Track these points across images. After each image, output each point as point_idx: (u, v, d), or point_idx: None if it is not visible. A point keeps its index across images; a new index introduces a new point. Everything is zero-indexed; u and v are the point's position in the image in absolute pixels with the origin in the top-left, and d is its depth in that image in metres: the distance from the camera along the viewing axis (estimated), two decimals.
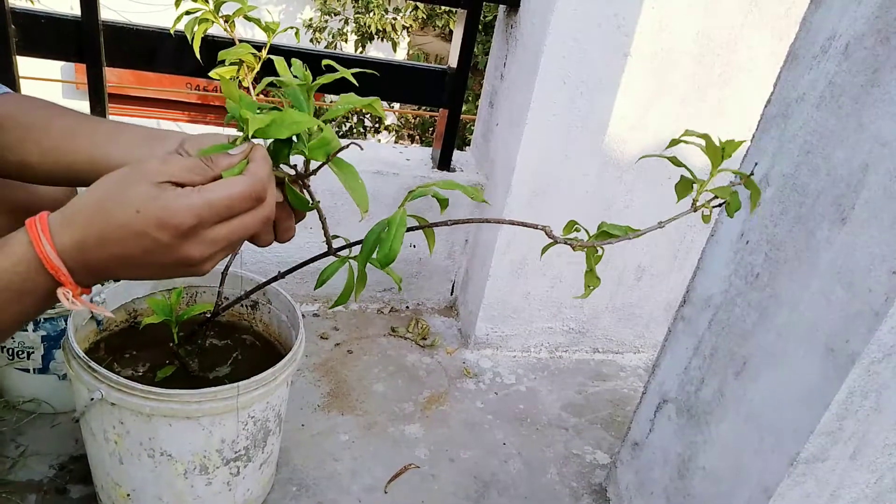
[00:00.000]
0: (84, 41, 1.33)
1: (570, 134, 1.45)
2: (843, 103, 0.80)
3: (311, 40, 6.71)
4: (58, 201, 0.53)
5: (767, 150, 0.93)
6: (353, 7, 6.81)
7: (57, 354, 1.15)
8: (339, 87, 1.42)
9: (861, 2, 0.79)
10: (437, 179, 1.61)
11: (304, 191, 0.60)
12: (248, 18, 1.02)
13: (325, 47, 6.83)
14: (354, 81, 0.62)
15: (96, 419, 0.89)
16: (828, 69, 0.83)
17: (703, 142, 0.65)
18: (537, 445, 1.41)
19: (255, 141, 0.54)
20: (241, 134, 0.54)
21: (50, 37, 1.34)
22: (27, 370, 1.15)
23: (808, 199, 0.84)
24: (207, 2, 0.98)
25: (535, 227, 0.67)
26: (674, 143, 0.67)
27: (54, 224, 0.49)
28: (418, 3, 6.64)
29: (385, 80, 1.60)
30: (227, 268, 1.01)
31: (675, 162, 0.68)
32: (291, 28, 1.09)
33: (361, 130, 6.70)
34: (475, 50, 1.59)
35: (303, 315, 1.34)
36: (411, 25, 6.83)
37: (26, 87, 1.31)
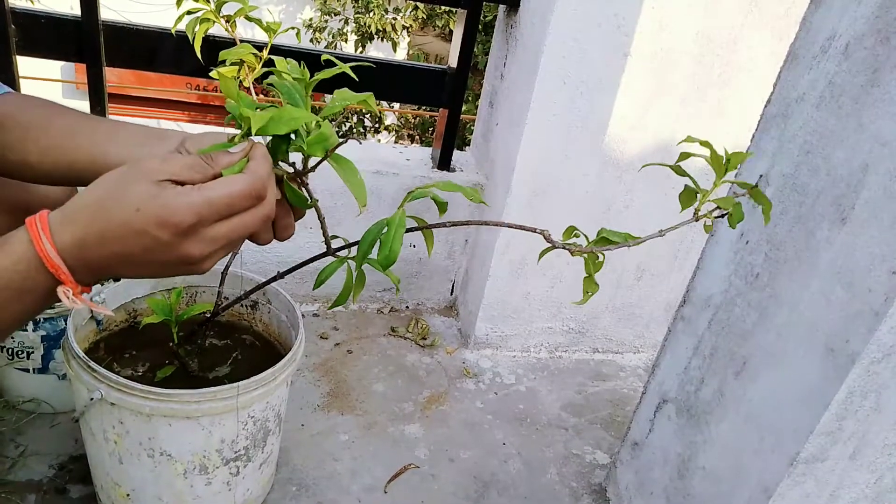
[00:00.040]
0: (84, 41, 1.33)
1: (570, 134, 1.45)
2: (843, 103, 0.80)
3: (311, 40, 6.71)
4: (58, 201, 0.53)
5: (767, 150, 0.93)
6: (353, 7, 6.81)
7: (57, 354, 1.15)
8: (339, 86, 1.42)
9: (861, 2, 0.79)
10: (437, 179, 1.61)
11: (303, 188, 0.60)
12: (249, 19, 1.02)
13: (325, 47, 6.84)
14: (353, 75, 0.62)
15: (96, 419, 0.89)
16: (828, 69, 0.83)
17: (707, 152, 0.64)
18: (537, 445, 1.41)
19: (254, 139, 0.54)
20: (240, 132, 0.54)
21: (50, 37, 1.34)
22: (27, 370, 1.15)
23: (808, 199, 0.84)
24: (209, 2, 0.98)
25: (533, 230, 0.66)
26: (683, 157, 0.67)
27: (54, 222, 0.50)
28: (418, 3, 6.64)
29: (385, 80, 1.60)
30: (226, 268, 1.01)
31: (679, 171, 0.67)
32: (293, 28, 1.09)
33: (361, 130, 6.70)
34: (475, 50, 1.59)
35: (302, 315, 1.34)
36: (411, 25, 6.83)
37: (26, 87, 1.31)
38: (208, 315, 0.99)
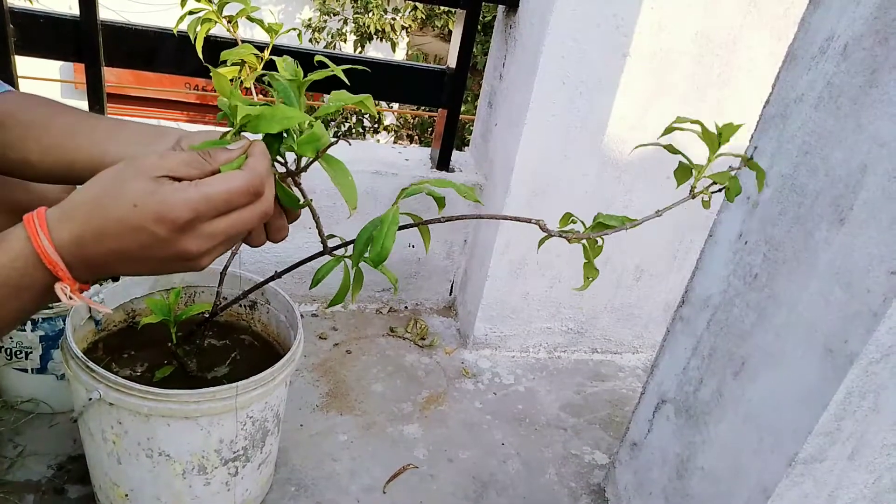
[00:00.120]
0: (83, 41, 1.33)
1: (569, 134, 1.45)
2: (842, 104, 0.80)
3: (311, 40, 6.71)
4: (57, 200, 0.53)
5: (766, 150, 0.93)
6: (353, 7, 6.81)
7: (55, 354, 1.15)
8: (337, 86, 1.42)
9: (859, 2, 0.79)
10: (434, 180, 1.61)
11: (295, 188, 0.60)
12: (250, 19, 1.02)
13: (325, 47, 6.84)
14: (345, 79, 0.62)
15: (94, 419, 0.89)
16: (826, 70, 0.83)
17: (698, 128, 0.64)
18: (536, 446, 1.41)
19: (251, 137, 0.54)
20: (232, 129, 0.54)
21: (48, 36, 1.34)
22: (25, 370, 1.15)
23: (807, 199, 0.84)
24: (211, 2, 0.99)
25: (528, 221, 0.67)
26: (668, 130, 0.67)
27: (52, 219, 0.49)
28: (417, 4, 6.64)
29: (384, 81, 1.60)
30: (225, 268, 1.01)
31: (672, 150, 0.67)
32: (294, 30, 1.09)
33: (360, 130, 6.70)
34: (474, 50, 1.59)
35: (301, 315, 1.34)
36: (410, 25, 6.83)
37: (25, 87, 1.30)
38: (207, 315, 0.99)
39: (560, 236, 0.65)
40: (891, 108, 0.73)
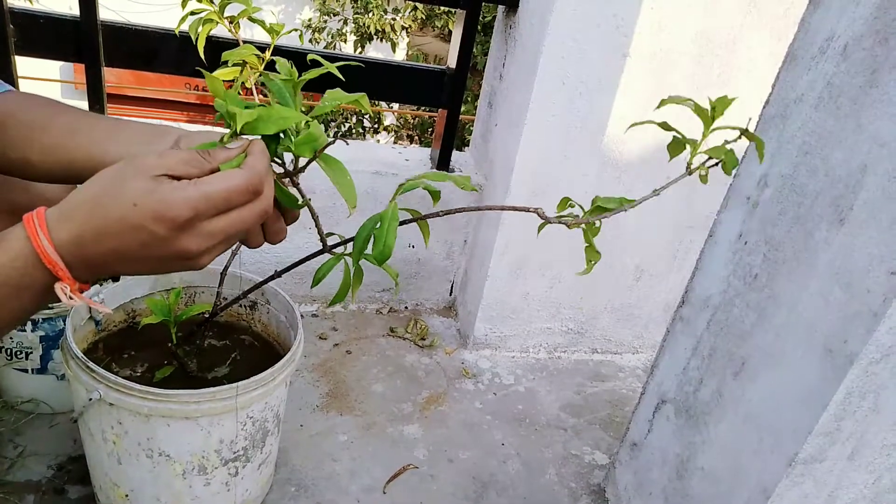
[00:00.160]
0: (83, 41, 1.33)
1: (569, 134, 1.45)
2: (842, 104, 0.80)
3: (311, 41, 6.71)
4: (58, 200, 0.53)
5: (766, 150, 0.93)
6: (353, 7, 6.81)
7: (55, 355, 1.15)
8: (335, 86, 1.42)
9: (859, 3, 0.79)
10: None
11: (293, 188, 0.60)
12: (252, 20, 1.02)
13: (325, 48, 6.84)
14: (340, 76, 0.62)
15: (94, 419, 0.89)
16: (826, 70, 0.83)
17: (691, 104, 0.65)
18: (536, 446, 1.41)
19: (249, 137, 0.54)
20: (229, 131, 0.54)
21: (48, 37, 1.34)
22: (25, 370, 1.15)
23: (807, 199, 0.84)
24: (213, 2, 0.99)
25: (527, 210, 0.67)
26: (662, 104, 0.67)
27: (51, 219, 0.49)
28: (417, 4, 6.64)
29: (384, 81, 1.60)
30: (225, 268, 1.01)
31: (666, 127, 0.68)
32: (295, 30, 1.09)
33: (360, 131, 6.70)
34: (474, 50, 1.59)
35: (301, 315, 1.34)
36: (410, 26, 6.83)
37: (25, 87, 1.30)
38: (207, 315, 0.99)
39: (559, 222, 0.65)
40: (891, 108, 0.73)
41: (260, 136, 0.54)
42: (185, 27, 1.01)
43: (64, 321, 1.12)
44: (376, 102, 6.53)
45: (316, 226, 0.65)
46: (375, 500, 1.19)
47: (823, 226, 0.81)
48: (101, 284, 1.03)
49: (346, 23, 6.87)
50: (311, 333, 1.63)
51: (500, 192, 1.54)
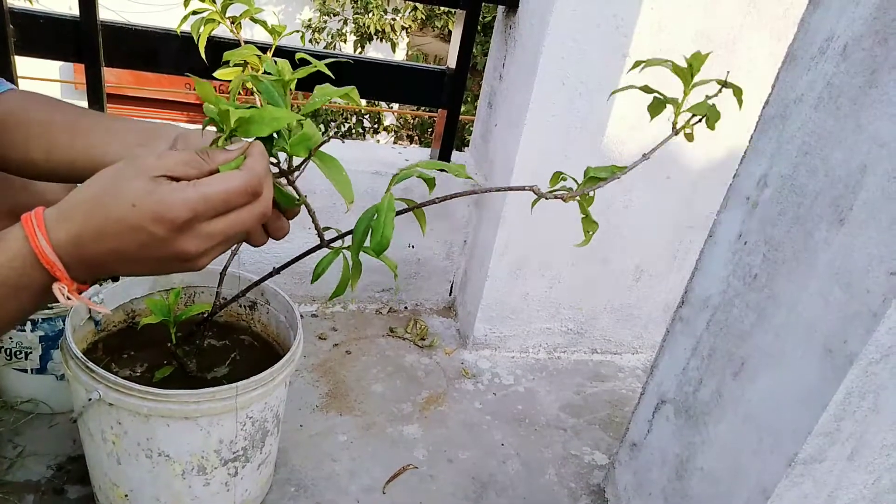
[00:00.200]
0: (82, 41, 1.33)
1: (569, 135, 1.45)
2: (842, 104, 0.80)
3: (311, 41, 6.71)
4: (58, 201, 0.53)
5: (765, 151, 0.93)
6: (353, 7, 6.81)
7: (55, 355, 1.15)
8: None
9: (859, 3, 0.79)
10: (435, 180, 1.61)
11: (289, 187, 0.60)
12: (254, 20, 1.02)
13: (325, 48, 6.84)
14: (329, 73, 0.62)
15: (94, 419, 0.89)
16: (826, 70, 0.83)
17: (670, 64, 0.66)
18: (536, 446, 1.41)
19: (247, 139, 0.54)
20: (223, 134, 0.54)
21: (48, 37, 1.34)
22: (25, 370, 1.15)
23: (807, 199, 0.84)
24: (215, 2, 0.99)
25: (522, 189, 0.68)
26: (636, 65, 0.68)
27: (50, 219, 0.49)
28: (417, 4, 6.64)
29: (384, 81, 1.60)
30: (225, 268, 1.01)
31: (647, 90, 0.69)
32: (297, 31, 1.10)
33: (360, 131, 6.70)
34: (474, 50, 1.59)
35: (301, 315, 1.34)
36: (410, 26, 6.83)
37: (25, 87, 1.31)
38: (206, 315, 0.99)
39: (554, 197, 0.66)
40: (890, 108, 0.73)
41: (257, 139, 0.54)
42: (186, 27, 1.01)
43: (63, 321, 1.12)
44: (376, 103, 6.54)
45: (313, 221, 0.66)
46: (375, 500, 1.19)
47: (823, 226, 0.81)
48: (100, 284, 1.04)
49: (346, 23, 6.87)
50: (310, 333, 1.63)
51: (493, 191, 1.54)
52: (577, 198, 0.68)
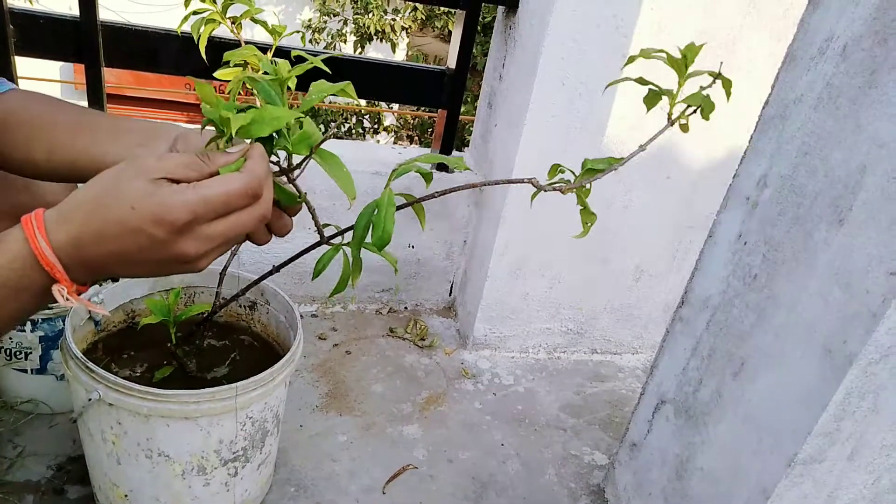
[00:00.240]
0: (82, 41, 1.33)
1: (569, 135, 1.45)
2: (841, 105, 0.80)
3: (311, 41, 6.72)
4: (59, 201, 0.54)
5: (765, 151, 0.93)
6: (353, 8, 6.82)
7: (55, 355, 1.15)
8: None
9: (858, 3, 0.79)
10: (436, 180, 1.61)
11: (290, 185, 0.61)
12: (255, 21, 1.02)
13: (325, 48, 6.84)
14: (326, 69, 0.62)
15: (94, 420, 0.89)
16: (826, 70, 0.83)
17: (664, 56, 0.67)
18: (535, 446, 1.41)
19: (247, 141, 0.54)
20: (224, 137, 0.54)
21: (48, 37, 1.34)
22: (25, 371, 1.15)
23: (806, 200, 0.84)
24: (215, 3, 0.99)
25: (521, 181, 0.69)
26: (630, 60, 0.69)
27: (50, 220, 0.50)
28: (417, 4, 6.64)
29: (384, 81, 1.60)
30: (225, 268, 1.01)
31: (642, 81, 0.70)
32: (297, 32, 1.10)
33: (360, 131, 6.70)
34: (474, 51, 1.59)
35: (301, 315, 1.34)
36: (410, 26, 6.84)
37: (25, 87, 1.31)
38: (206, 315, 0.99)
39: (553, 189, 0.67)
40: (890, 108, 0.73)
41: (257, 140, 0.54)
42: (186, 27, 1.01)
43: (63, 321, 1.12)
44: (376, 103, 6.54)
45: (313, 218, 0.66)
46: (375, 500, 1.19)
47: (823, 226, 0.81)
48: (100, 285, 1.04)
49: (346, 23, 6.87)
50: (310, 334, 1.63)
51: (500, 191, 1.54)
52: (575, 190, 0.69)
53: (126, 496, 0.94)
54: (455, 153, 1.73)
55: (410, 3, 6.59)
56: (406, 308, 1.83)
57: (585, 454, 1.42)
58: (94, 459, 0.96)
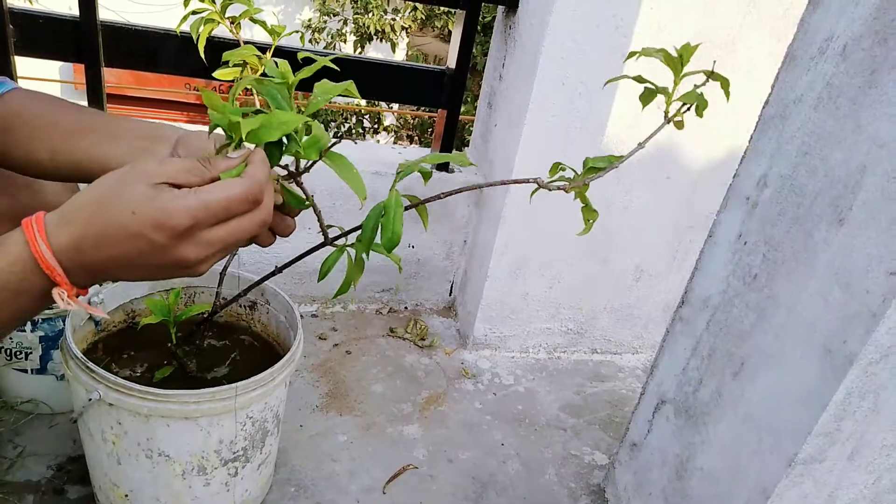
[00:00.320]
0: (82, 41, 1.33)
1: (568, 135, 1.45)
2: (841, 104, 0.80)
3: (311, 41, 6.72)
4: (60, 204, 0.54)
5: (765, 151, 0.93)
6: (352, 8, 6.82)
7: (55, 355, 1.15)
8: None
9: (858, 3, 0.79)
10: (436, 180, 1.62)
11: (298, 188, 0.61)
12: (253, 20, 1.02)
13: (325, 48, 6.84)
14: (335, 67, 0.62)
15: (94, 420, 0.89)
16: (825, 70, 0.83)
17: (661, 55, 0.68)
18: (536, 446, 1.41)
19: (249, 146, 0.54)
20: (232, 142, 0.54)
21: (48, 37, 1.34)
22: (25, 371, 1.15)
23: (806, 200, 0.84)
24: (214, 3, 0.99)
25: (527, 181, 0.69)
26: (631, 55, 0.70)
27: (50, 224, 0.50)
28: (417, 4, 6.65)
29: (384, 81, 1.60)
30: (225, 268, 1.01)
31: (640, 79, 0.71)
32: (297, 32, 1.10)
33: (360, 131, 6.70)
34: (474, 51, 1.59)
35: (301, 316, 1.34)
36: (410, 26, 6.84)
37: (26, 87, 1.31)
38: (206, 315, 0.99)
39: (557, 189, 0.67)
40: (890, 108, 0.73)
41: (261, 145, 0.54)
42: (185, 27, 1.01)
43: (63, 321, 1.12)
44: (376, 103, 6.54)
45: (318, 220, 0.66)
46: (375, 500, 1.19)
47: (823, 226, 0.81)
48: (100, 285, 1.04)
49: (345, 23, 6.87)
50: (310, 334, 1.63)
51: (500, 191, 1.54)
52: (578, 188, 0.70)
53: (126, 496, 0.94)
54: (455, 153, 1.73)
55: (410, 2, 6.59)
56: (406, 308, 1.83)
57: (585, 454, 1.42)
58: (95, 459, 0.96)
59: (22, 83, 1.42)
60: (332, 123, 6.54)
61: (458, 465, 1.31)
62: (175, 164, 0.51)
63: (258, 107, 0.57)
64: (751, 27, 1.40)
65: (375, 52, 7.33)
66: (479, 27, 1.67)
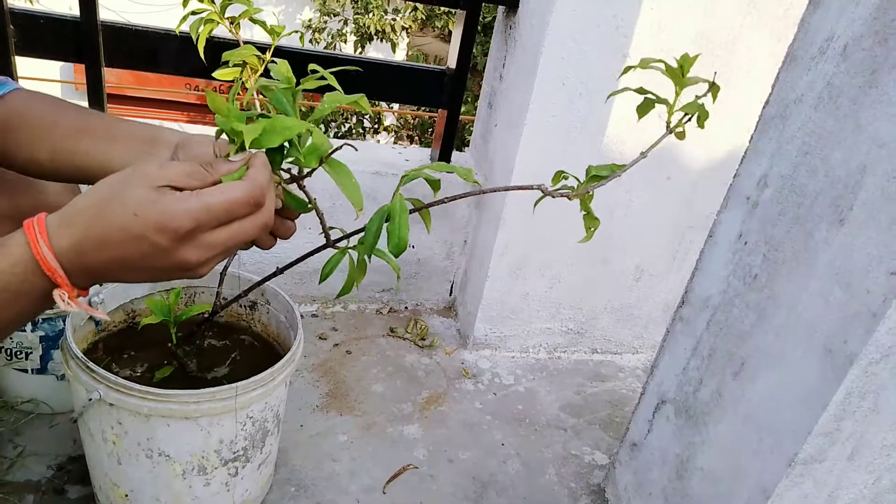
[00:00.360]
0: (83, 41, 1.33)
1: (569, 135, 1.45)
2: (841, 104, 0.80)
3: (311, 41, 6.72)
4: (61, 205, 0.54)
5: (766, 151, 0.93)
6: (353, 8, 6.81)
7: (55, 355, 1.15)
8: (333, 87, 1.43)
9: (859, 3, 0.79)
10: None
11: (300, 191, 0.61)
12: (253, 21, 1.02)
13: (325, 48, 6.84)
14: (337, 85, 0.62)
15: (94, 419, 0.89)
16: (826, 70, 0.83)
17: (662, 66, 0.68)
18: (536, 446, 1.41)
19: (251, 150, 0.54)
20: (235, 147, 0.55)
21: (48, 37, 1.34)
22: (25, 370, 1.15)
23: (807, 200, 0.84)
24: (213, 3, 0.99)
25: (530, 188, 0.69)
26: (627, 70, 0.71)
27: (52, 226, 0.50)
28: (417, 4, 6.65)
29: (384, 81, 1.60)
30: (225, 269, 1.01)
31: (641, 91, 0.71)
32: (296, 32, 1.10)
33: (360, 131, 6.70)
34: (474, 51, 1.59)
35: (301, 315, 1.34)
36: (410, 26, 6.83)
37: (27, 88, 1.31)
38: (207, 315, 0.99)
39: (560, 196, 0.68)
40: (890, 108, 0.73)
41: (263, 149, 0.55)
42: (185, 27, 1.01)
43: (64, 321, 1.12)
44: (376, 103, 6.54)
45: (320, 222, 0.66)
46: (375, 500, 1.19)
47: (823, 226, 0.81)
48: (100, 285, 1.04)
49: (346, 23, 6.87)
50: (310, 333, 1.63)
51: (500, 191, 1.54)
52: (581, 196, 0.70)
53: (126, 496, 0.95)
54: (455, 153, 1.73)
55: (410, 3, 6.59)
56: (406, 308, 1.83)
57: (586, 454, 1.42)
58: (95, 459, 0.96)
59: (22, 83, 1.42)
60: (333, 123, 6.54)
61: (459, 465, 1.31)
62: (177, 168, 0.51)
63: (258, 108, 0.58)
64: (751, 27, 1.40)
65: (376, 52, 7.33)
66: (479, 27, 1.67)
